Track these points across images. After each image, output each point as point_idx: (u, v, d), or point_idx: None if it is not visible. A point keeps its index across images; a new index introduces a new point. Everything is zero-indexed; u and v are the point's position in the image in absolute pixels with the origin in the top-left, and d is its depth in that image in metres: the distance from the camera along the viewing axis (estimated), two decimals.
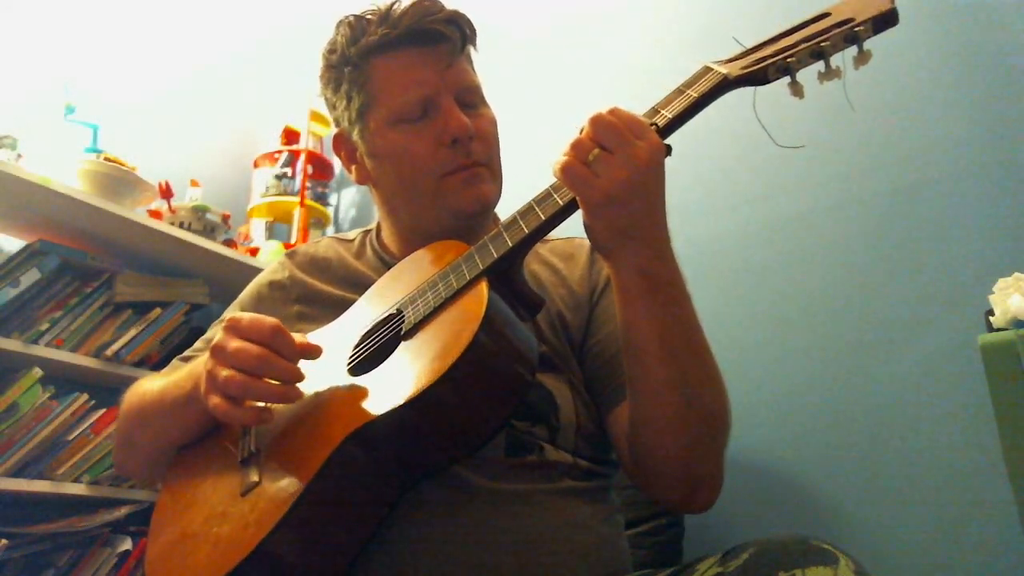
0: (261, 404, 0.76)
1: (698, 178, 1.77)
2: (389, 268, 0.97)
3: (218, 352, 0.76)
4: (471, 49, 1.02)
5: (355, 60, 0.98)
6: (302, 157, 2.48)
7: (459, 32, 0.97)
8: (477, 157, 0.95)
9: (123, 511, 1.77)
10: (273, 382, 0.75)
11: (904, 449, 1.40)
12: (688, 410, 0.77)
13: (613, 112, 0.72)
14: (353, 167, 1.05)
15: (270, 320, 0.77)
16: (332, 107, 1.04)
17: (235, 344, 0.75)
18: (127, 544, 1.75)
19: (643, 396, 0.79)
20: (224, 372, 0.74)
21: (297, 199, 2.42)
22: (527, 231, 0.76)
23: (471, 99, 0.98)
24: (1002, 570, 1.26)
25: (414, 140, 0.95)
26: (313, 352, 0.79)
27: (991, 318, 1.03)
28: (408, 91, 0.95)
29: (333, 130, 2.97)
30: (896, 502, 1.38)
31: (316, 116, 2.56)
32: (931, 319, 1.43)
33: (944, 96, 1.52)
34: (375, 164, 1.00)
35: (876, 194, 1.56)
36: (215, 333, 1.02)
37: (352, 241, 1.09)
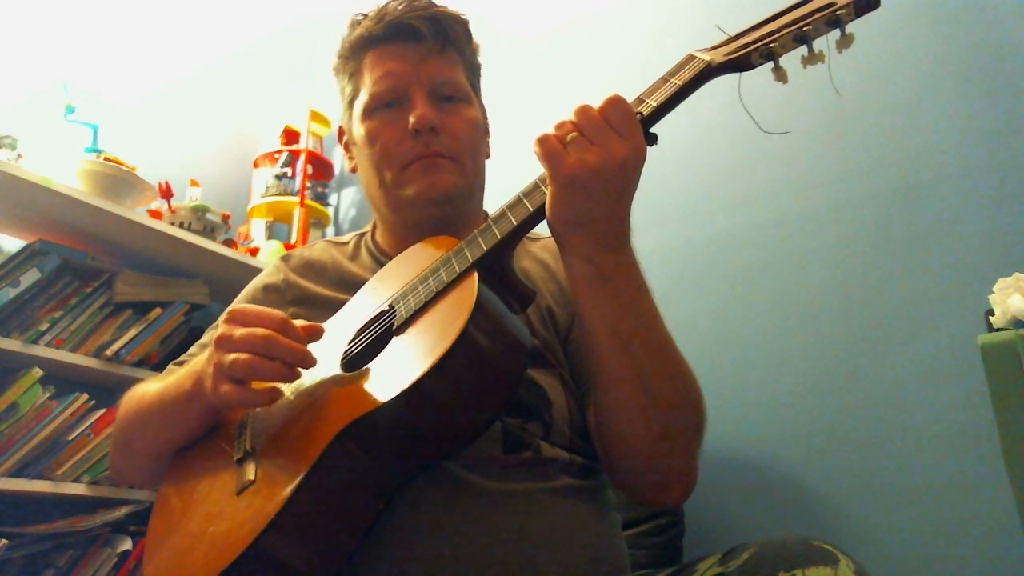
0: (269, 385, 0.77)
1: (698, 178, 1.77)
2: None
3: (224, 341, 0.77)
4: (463, 51, 1.04)
5: (348, 54, 1.05)
6: (302, 157, 2.48)
7: (441, 30, 1.00)
8: (439, 150, 0.97)
9: (123, 511, 1.77)
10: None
11: (904, 449, 1.40)
12: (648, 402, 0.77)
13: (611, 102, 0.73)
14: (347, 156, 1.10)
15: (276, 312, 0.78)
16: (340, 99, 1.10)
17: (240, 331, 0.76)
18: (127, 544, 1.75)
19: (602, 388, 0.80)
20: (231, 357, 0.75)
21: (297, 199, 2.42)
22: (515, 223, 0.77)
23: (448, 94, 1.00)
24: (1002, 570, 1.25)
25: (383, 128, 0.99)
26: (316, 333, 0.80)
27: (991, 318, 1.03)
28: (381, 81, 0.99)
29: (334, 129, 2.97)
30: (896, 502, 1.38)
31: (316, 116, 2.57)
32: (931, 319, 1.43)
33: (944, 96, 1.52)
34: (356, 152, 1.05)
35: (876, 194, 1.56)
36: (211, 337, 1.03)
37: (347, 244, 1.10)
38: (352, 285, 0.97)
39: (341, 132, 1.12)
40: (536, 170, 0.79)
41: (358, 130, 1.02)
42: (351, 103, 1.05)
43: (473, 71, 1.07)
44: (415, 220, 0.98)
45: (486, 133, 1.08)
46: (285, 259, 1.09)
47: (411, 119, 0.96)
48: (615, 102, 0.73)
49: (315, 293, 1.01)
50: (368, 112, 1.01)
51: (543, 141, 0.73)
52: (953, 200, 1.46)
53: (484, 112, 1.08)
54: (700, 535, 1.46)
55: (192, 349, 1.04)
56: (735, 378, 1.58)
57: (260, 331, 0.75)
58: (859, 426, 1.46)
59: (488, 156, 1.08)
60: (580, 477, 0.87)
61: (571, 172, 0.72)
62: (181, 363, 1.01)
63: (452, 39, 1.01)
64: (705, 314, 1.64)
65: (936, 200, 1.48)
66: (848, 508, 1.44)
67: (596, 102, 0.75)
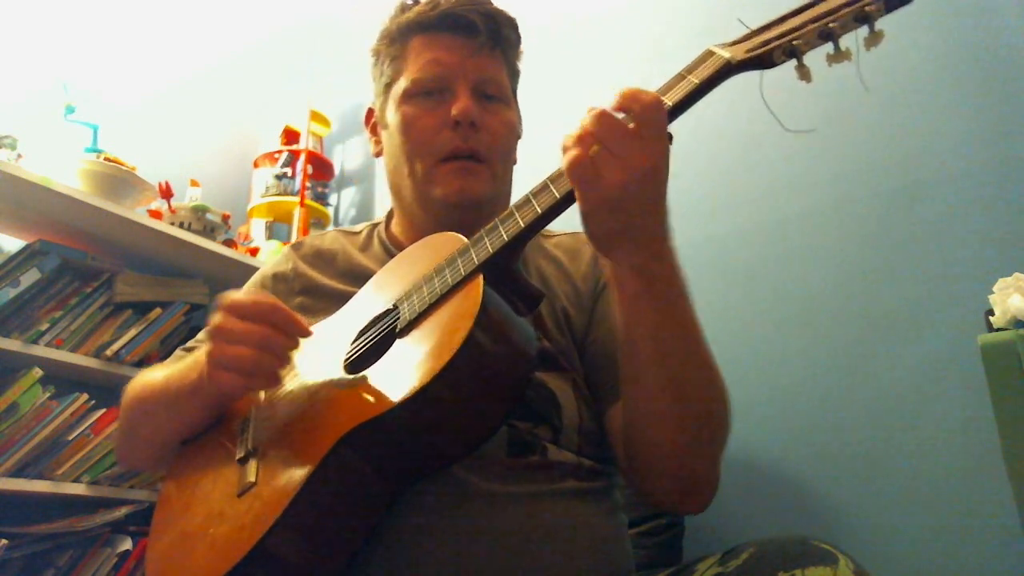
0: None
1: (698, 178, 1.77)
2: None
3: (221, 332, 0.77)
4: (509, 54, 1.03)
5: (394, 35, 1.02)
6: (302, 157, 2.48)
7: (495, 28, 0.99)
8: (476, 147, 0.95)
9: (123, 511, 1.77)
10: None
11: (904, 449, 1.40)
12: (681, 410, 0.76)
13: (651, 105, 0.68)
14: (372, 139, 1.08)
15: (268, 299, 0.79)
16: (373, 81, 1.08)
17: (238, 325, 0.77)
18: (127, 544, 1.75)
19: (636, 394, 0.79)
20: (231, 349, 0.76)
21: (297, 199, 2.42)
22: (523, 225, 0.75)
23: (491, 93, 0.99)
24: (1002, 570, 1.25)
25: (420, 116, 0.97)
26: (304, 332, 0.80)
27: (991, 318, 1.03)
28: (427, 68, 0.97)
29: (334, 129, 2.95)
30: (896, 502, 1.38)
31: (316, 116, 2.57)
32: (931, 319, 1.43)
33: (944, 96, 1.52)
34: (386, 136, 1.03)
35: (876, 194, 1.56)
36: None
37: (359, 234, 1.09)
38: (360, 277, 0.96)
39: (370, 114, 1.10)
40: (546, 159, 0.77)
41: (393, 115, 1.00)
42: (388, 86, 1.02)
43: (514, 76, 1.06)
44: (437, 218, 0.96)
45: (518, 138, 1.07)
46: (296, 247, 1.08)
47: (454, 110, 0.94)
48: (655, 106, 0.68)
49: (322, 284, 1.00)
50: (407, 97, 0.99)
51: (574, 163, 0.69)
52: (953, 200, 1.46)
53: (520, 118, 1.07)
54: (700, 535, 1.46)
55: (200, 335, 1.04)
56: (735, 378, 1.55)
57: (256, 328, 0.76)
58: (859, 426, 1.46)
59: (515, 162, 1.07)
60: (587, 479, 0.86)
61: (603, 194, 0.69)
62: (189, 349, 1.01)
63: (503, 39, 1.00)
64: (705, 314, 1.62)
65: (936, 200, 1.48)
66: (848, 508, 1.44)
67: (616, 97, 0.70)
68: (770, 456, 1.54)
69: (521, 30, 1.04)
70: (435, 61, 0.97)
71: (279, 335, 0.77)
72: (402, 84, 0.99)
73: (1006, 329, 0.98)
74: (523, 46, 1.07)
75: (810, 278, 1.59)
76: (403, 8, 1.02)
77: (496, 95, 1.00)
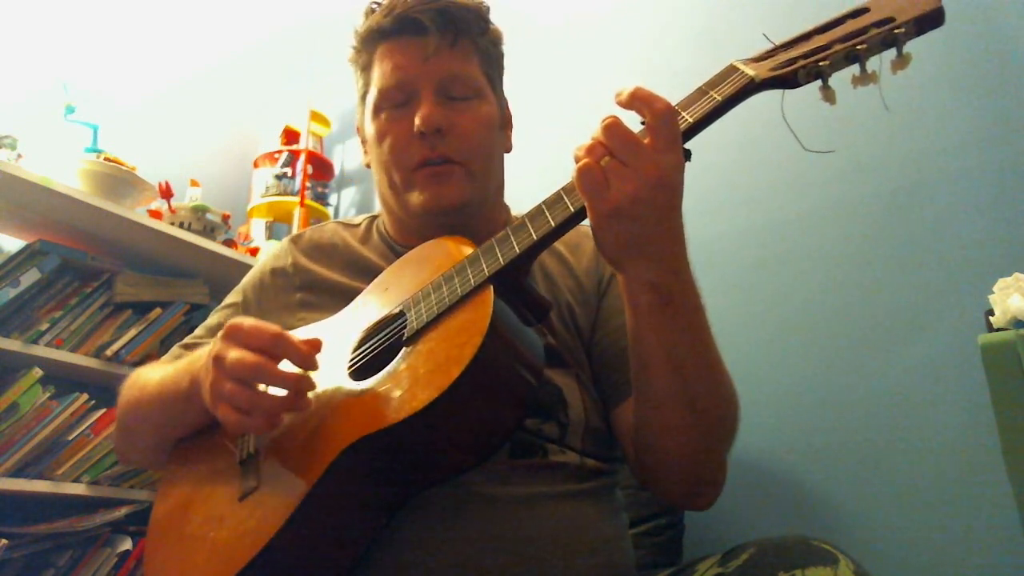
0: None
1: (698, 178, 1.76)
2: (395, 254, 0.95)
3: (218, 362, 0.73)
4: (480, 42, 0.99)
5: (360, 46, 1.01)
6: (302, 157, 2.48)
7: (449, 22, 0.95)
8: (447, 152, 0.93)
9: (123, 511, 1.77)
10: (279, 391, 0.72)
11: (904, 449, 1.40)
12: (693, 419, 0.76)
13: (661, 115, 0.68)
14: (363, 150, 1.07)
15: (271, 329, 0.73)
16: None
17: (234, 354, 0.72)
18: (127, 544, 1.75)
19: (647, 402, 0.79)
20: (228, 384, 0.72)
21: (297, 199, 2.42)
22: (535, 238, 0.73)
23: (459, 92, 0.96)
24: (1002, 570, 1.25)
25: (392, 128, 0.96)
26: (315, 348, 0.75)
27: (991, 318, 1.03)
28: (388, 78, 0.96)
29: (334, 129, 2.95)
30: (896, 502, 1.38)
31: (316, 116, 2.56)
32: (931, 319, 1.43)
33: (944, 96, 1.52)
34: (368, 148, 1.02)
35: (876, 194, 1.56)
36: (217, 319, 1.03)
37: (358, 226, 1.08)
38: (362, 269, 0.96)
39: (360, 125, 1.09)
40: (549, 163, 0.78)
41: (368, 127, 1.00)
42: (363, 98, 1.01)
43: (490, 61, 1.01)
44: (424, 224, 0.95)
45: (505, 127, 1.04)
46: (295, 239, 1.06)
47: (416, 120, 0.92)
48: (667, 115, 0.68)
49: (324, 278, 0.99)
50: (377, 109, 0.97)
51: (583, 171, 0.68)
52: (953, 200, 1.46)
53: (503, 105, 1.04)
54: (700, 535, 1.46)
55: (198, 331, 1.04)
56: (735, 378, 1.58)
57: (250, 358, 0.71)
58: (859, 426, 1.46)
59: (508, 150, 1.04)
60: (589, 479, 0.86)
61: (614, 203, 0.68)
62: (186, 346, 1.02)
63: (463, 31, 0.96)
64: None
65: (936, 200, 1.48)
66: (848, 508, 1.44)
67: (627, 96, 0.69)
68: (770, 456, 1.54)
69: (520, 29, 1.02)
70: (395, 68, 0.95)
71: (269, 368, 0.71)
72: (372, 96, 0.98)
73: (1006, 329, 0.98)
74: (505, 29, 1.03)
75: (810, 278, 1.59)
76: (367, 15, 0.99)
77: (463, 93, 0.96)
